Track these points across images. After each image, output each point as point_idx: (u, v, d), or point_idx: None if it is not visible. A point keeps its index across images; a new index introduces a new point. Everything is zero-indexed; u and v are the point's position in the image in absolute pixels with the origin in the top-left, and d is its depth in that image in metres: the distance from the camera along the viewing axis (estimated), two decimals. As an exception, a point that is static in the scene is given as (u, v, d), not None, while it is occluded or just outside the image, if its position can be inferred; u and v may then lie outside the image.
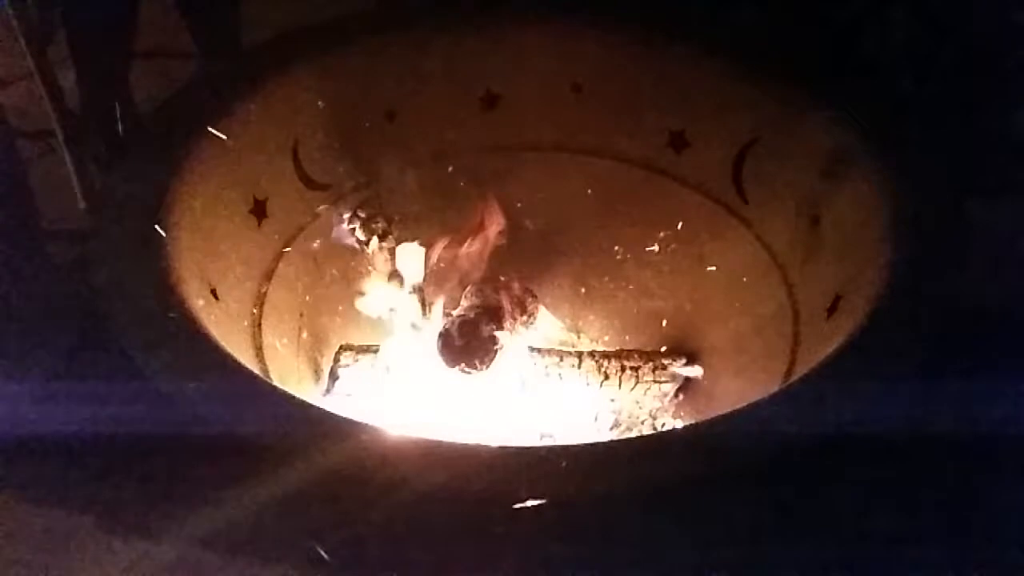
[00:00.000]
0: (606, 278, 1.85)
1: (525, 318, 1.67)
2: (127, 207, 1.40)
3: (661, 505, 1.12)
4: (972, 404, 1.33)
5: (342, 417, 1.16)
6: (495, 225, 1.69)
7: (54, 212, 2.13)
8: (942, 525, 1.54)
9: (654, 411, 1.70)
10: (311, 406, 1.18)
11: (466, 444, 1.13)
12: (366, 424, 1.13)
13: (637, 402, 1.70)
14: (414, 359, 1.61)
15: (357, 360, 1.66)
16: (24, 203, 2.09)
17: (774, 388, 1.32)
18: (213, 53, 2.20)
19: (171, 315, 1.24)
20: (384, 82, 1.74)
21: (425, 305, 1.70)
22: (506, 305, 1.61)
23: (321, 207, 1.70)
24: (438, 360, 1.55)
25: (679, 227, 1.77)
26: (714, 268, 1.73)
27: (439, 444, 1.11)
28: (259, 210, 1.58)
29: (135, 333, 1.22)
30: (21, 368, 1.72)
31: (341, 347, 1.69)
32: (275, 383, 1.35)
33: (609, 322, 1.86)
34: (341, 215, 1.69)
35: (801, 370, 1.34)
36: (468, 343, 1.53)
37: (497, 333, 1.56)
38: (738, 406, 1.20)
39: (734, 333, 1.67)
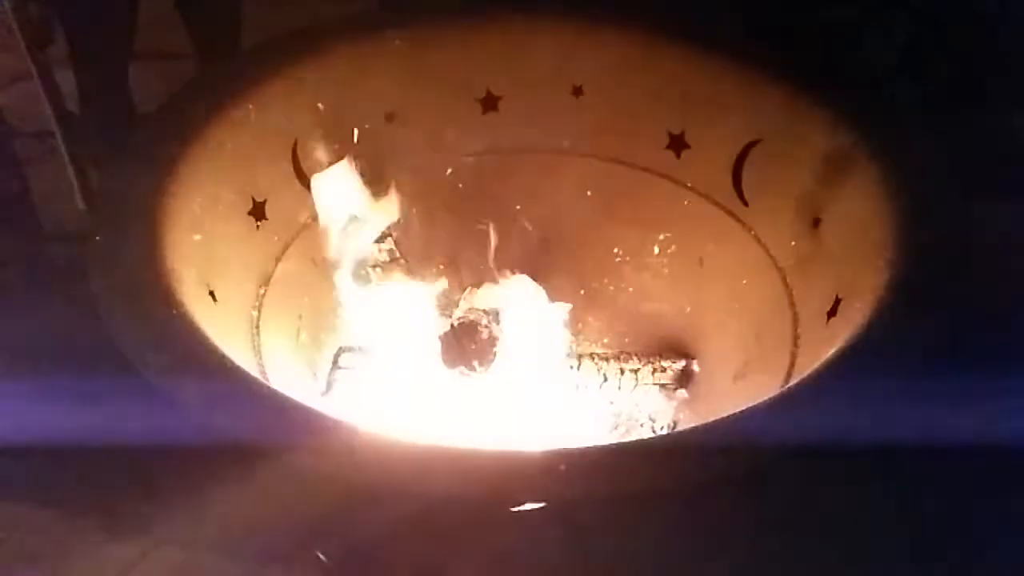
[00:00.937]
0: (605, 280, 1.85)
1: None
2: (126, 208, 1.40)
3: (661, 508, 1.11)
4: (973, 407, 1.33)
5: (341, 420, 1.16)
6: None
7: (54, 212, 2.13)
8: (942, 528, 1.54)
9: (653, 413, 1.70)
10: (310, 408, 1.17)
11: (465, 447, 1.13)
12: (365, 427, 1.13)
13: (636, 404, 1.70)
14: (413, 361, 1.61)
15: (356, 362, 1.66)
16: (24, 203, 2.10)
17: (774, 391, 1.32)
18: (213, 53, 2.20)
19: (170, 316, 1.24)
20: (384, 82, 1.74)
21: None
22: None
23: (321, 208, 1.70)
24: (438, 361, 1.55)
25: (679, 229, 1.76)
26: (714, 270, 1.72)
27: (438, 447, 1.11)
28: (258, 211, 1.58)
29: (134, 334, 1.21)
30: (21, 368, 1.72)
31: (340, 349, 1.69)
32: (273, 385, 1.34)
33: (608, 324, 1.85)
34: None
35: (801, 373, 1.33)
36: (468, 344, 1.53)
37: (497, 334, 1.56)
38: (737, 409, 1.19)
39: (734, 335, 1.66)
